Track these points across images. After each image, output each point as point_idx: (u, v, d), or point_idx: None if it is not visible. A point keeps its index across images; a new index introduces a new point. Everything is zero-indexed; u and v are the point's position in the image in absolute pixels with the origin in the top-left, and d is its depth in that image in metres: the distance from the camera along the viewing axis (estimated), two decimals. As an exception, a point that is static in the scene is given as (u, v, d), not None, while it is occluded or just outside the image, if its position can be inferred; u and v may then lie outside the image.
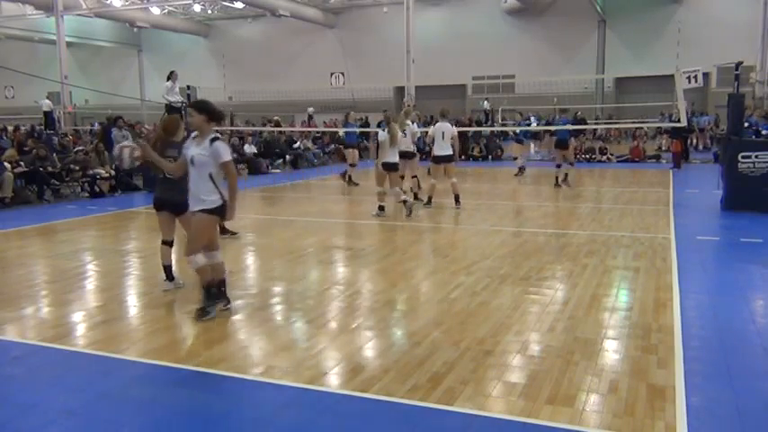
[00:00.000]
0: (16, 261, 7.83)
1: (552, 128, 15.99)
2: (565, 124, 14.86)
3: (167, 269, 6.25)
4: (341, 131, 17.64)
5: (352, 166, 15.88)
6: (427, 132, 11.62)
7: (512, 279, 6.53)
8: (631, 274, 6.72)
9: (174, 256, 6.44)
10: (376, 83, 31.00)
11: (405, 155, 12.05)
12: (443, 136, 11.22)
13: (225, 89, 33.11)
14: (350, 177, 15.65)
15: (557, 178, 14.46)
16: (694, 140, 24.72)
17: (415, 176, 12.43)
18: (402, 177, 12.47)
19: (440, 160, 11.36)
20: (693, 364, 4.29)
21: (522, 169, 17.37)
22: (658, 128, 25.73)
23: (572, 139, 15.07)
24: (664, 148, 22.56)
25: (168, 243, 6.23)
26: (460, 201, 11.34)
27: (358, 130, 17.71)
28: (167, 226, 6.19)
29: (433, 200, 11.64)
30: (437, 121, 11.61)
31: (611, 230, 9.23)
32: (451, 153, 11.31)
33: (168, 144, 6.03)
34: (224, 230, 9.86)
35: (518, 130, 18.70)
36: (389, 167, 10.71)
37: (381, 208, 10.81)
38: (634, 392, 3.87)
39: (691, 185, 14.55)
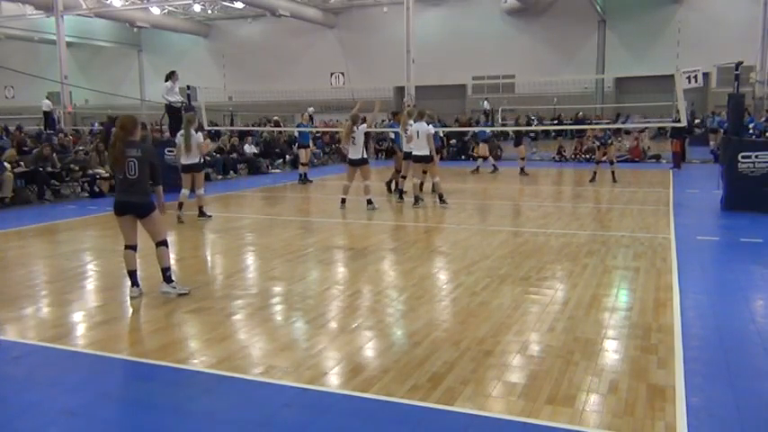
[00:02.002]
0: (16, 261, 7.83)
1: (591, 127, 17.85)
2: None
3: (132, 275, 6.05)
4: (295, 131, 17.70)
5: (304, 165, 16.55)
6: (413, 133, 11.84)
7: (512, 279, 6.53)
8: (631, 274, 6.72)
9: (173, 258, 6.40)
10: (376, 83, 31.00)
11: (408, 156, 12.11)
12: (419, 135, 11.43)
13: (225, 89, 33.15)
14: (305, 175, 16.36)
15: (594, 174, 15.53)
16: (711, 142, 24.61)
17: (414, 176, 12.44)
18: (404, 178, 12.53)
19: (419, 160, 11.60)
20: (693, 364, 4.29)
21: (477, 169, 18.16)
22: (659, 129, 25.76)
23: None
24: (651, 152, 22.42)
25: (132, 248, 6.03)
26: (445, 200, 11.56)
27: (313, 129, 17.89)
28: (130, 230, 6.01)
29: (419, 200, 11.74)
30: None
31: (611, 230, 9.23)
32: (428, 153, 11.53)
33: (128, 144, 5.86)
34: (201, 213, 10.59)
35: (508, 129, 18.85)
36: (352, 163, 11.55)
37: (343, 201, 11.60)
38: (634, 392, 3.87)
39: (691, 185, 14.54)
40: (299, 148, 17.10)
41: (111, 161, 5.96)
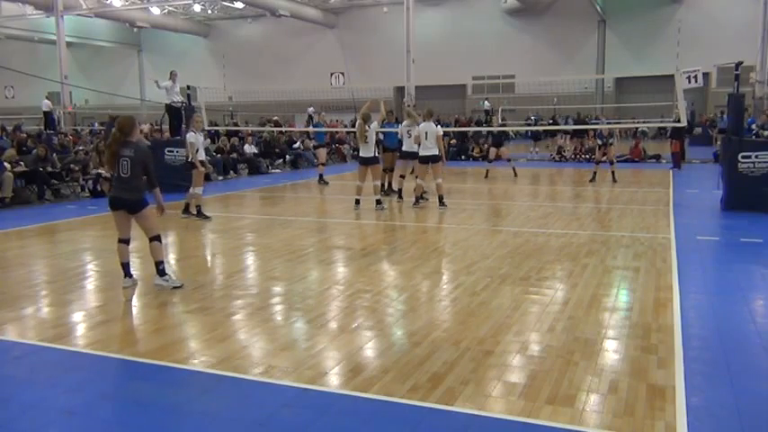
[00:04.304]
0: (16, 261, 7.83)
1: (593, 126, 18.41)
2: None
3: (125, 267, 6.39)
4: (311, 131, 17.64)
5: (322, 165, 16.48)
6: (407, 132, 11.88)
7: (512, 279, 6.53)
8: (631, 274, 6.72)
9: (174, 258, 6.43)
10: (376, 83, 31.04)
11: (407, 155, 12.10)
12: (427, 136, 11.29)
13: (225, 89, 33.12)
14: (320, 176, 16.10)
15: (594, 174, 15.55)
16: (718, 142, 24.51)
17: (417, 176, 12.44)
18: (402, 177, 12.53)
19: (425, 160, 11.47)
20: (693, 364, 4.29)
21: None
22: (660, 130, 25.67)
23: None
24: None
25: (125, 241, 6.36)
26: (445, 202, 11.34)
27: (326, 130, 17.87)
28: (124, 225, 6.33)
29: (420, 200, 11.68)
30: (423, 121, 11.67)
31: (611, 230, 9.23)
32: (436, 153, 11.38)
33: (122, 144, 6.16)
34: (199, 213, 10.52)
35: (514, 129, 18.88)
36: (364, 162, 11.35)
37: (357, 202, 11.39)
38: (634, 392, 3.87)
39: (691, 185, 14.54)
40: (315, 148, 16.91)
41: (105, 159, 6.20)
